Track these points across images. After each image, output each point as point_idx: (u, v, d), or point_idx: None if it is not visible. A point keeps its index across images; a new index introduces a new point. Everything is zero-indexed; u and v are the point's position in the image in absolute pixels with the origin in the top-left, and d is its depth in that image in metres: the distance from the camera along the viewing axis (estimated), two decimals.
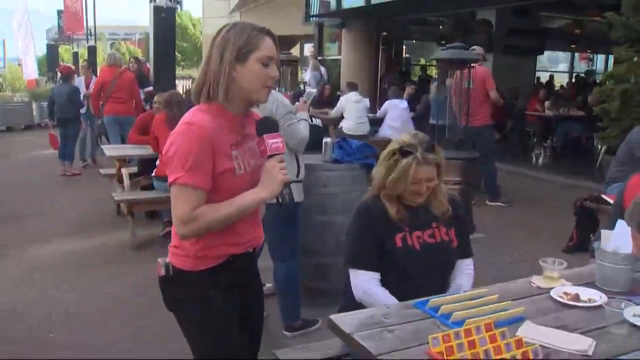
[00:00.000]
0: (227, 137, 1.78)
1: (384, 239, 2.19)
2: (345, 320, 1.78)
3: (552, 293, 1.98)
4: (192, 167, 1.70)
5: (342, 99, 9.43)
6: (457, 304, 1.82)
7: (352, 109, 8.87)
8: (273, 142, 1.77)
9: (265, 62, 1.77)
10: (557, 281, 2.07)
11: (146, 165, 5.98)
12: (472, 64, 5.73)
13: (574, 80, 16.84)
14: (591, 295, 1.96)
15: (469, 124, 6.80)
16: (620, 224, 2.13)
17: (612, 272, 2.05)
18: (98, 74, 10.02)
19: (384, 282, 2.20)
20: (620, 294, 2.00)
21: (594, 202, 4.90)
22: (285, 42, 18.77)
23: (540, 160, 10.50)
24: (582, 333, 1.70)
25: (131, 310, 3.97)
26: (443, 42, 14.41)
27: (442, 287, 2.25)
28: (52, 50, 26.28)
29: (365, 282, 2.19)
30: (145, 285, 4.40)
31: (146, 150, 5.68)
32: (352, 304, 2.20)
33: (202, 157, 1.71)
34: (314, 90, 11.41)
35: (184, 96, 6.17)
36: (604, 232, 2.17)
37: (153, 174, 5.41)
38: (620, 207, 2.88)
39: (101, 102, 8.07)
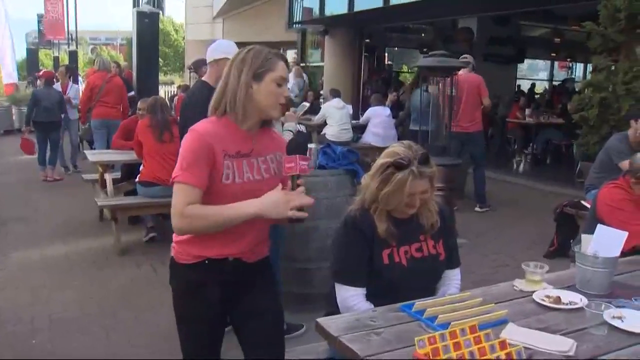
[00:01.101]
0: (225, 146, 1.92)
1: (370, 254, 2.17)
2: (332, 323, 1.81)
3: (535, 296, 2.02)
4: (187, 167, 1.88)
5: (325, 105, 9.48)
6: (442, 307, 1.86)
7: (335, 116, 8.91)
8: (288, 165, 1.89)
9: (279, 82, 1.95)
10: (539, 284, 2.12)
11: (129, 170, 5.95)
12: (455, 72, 5.80)
13: (553, 88, 17.08)
14: (572, 298, 2.01)
15: (463, 130, 6.91)
16: (600, 229, 2.19)
17: (592, 276, 2.11)
18: (86, 79, 9.94)
19: (370, 295, 2.18)
20: (600, 296, 2.06)
21: (573, 208, 4.99)
22: None
23: (521, 167, 10.65)
24: (563, 334, 1.75)
25: (116, 316, 3.94)
26: (425, 49, 14.55)
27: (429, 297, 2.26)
28: (32, 55, 25.98)
29: (350, 298, 2.16)
30: (130, 290, 4.39)
31: (130, 156, 5.65)
32: (336, 310, 2.20)
33: (197, 159, 1.88)
34: (308, 103, 11.44)
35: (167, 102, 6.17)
36: (584, 236, 2.22)
37: (136, 180, 5.39)
38: (594, 213, 2.96)
39: (88, 107, 8.03)
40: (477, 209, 7.17)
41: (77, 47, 22.36)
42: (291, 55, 20.86)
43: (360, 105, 13.62)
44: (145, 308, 4.02)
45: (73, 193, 7.62)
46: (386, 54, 18.23)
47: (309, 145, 3.93)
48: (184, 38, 33.25)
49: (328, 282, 2.35)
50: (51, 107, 8.40)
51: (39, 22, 29.39)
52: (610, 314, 1.84)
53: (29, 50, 27.50)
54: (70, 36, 22.57)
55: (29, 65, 24.76)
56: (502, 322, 1.81)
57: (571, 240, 5.22)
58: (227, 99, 1.95)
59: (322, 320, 1.83)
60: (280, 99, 1.96)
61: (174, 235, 2.04)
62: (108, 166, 5.79)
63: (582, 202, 4.93)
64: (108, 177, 5.54)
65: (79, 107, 8.85)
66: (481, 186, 7.22)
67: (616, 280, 2.16)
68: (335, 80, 13.76)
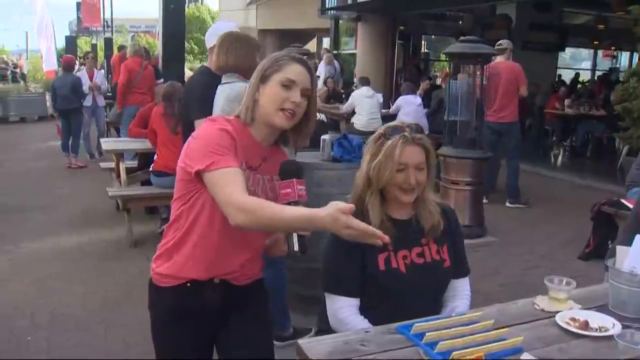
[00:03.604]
0: (242, 153, 1.70)
1: (365, 260, 1.92)
2: (314, 347, 1.55)
3: (558, 318, 1.73)
4: (223, 152, 1.62)
5: (354, 93, 9.19)
6: (446, 330, 1.58)
7: (364, 105, 8.62)
8: (284, 191, 1.68)
9: (285, 84, 1.70)
10: (564, 303, 1.82)
11: (146, 159, 5.79)
12: (491, 59, 5.46)
13: (596, 78, 16.38)
14: (602, 322, 1.70)
15: (498, 121, 6.57)
16: (639, 240, 1.87)
17: (628, 296, 1.80)
18: (114, 64, 9.91)
19: (366, 306, 1.93)
20: (637, 320, 1.76)
21: (613, 207, 4.61)
22: (300, 36, 18.56)
23: (559, 160, 10.18)
24: None
25: (119, 312, 3.77)
26: (462, 37, 14.06)
27: (433, 311, 1.97)
28: (70, 43, 26.15)
29: (341, 310, 1.92)
30: (136, 285, 4.19)
31: (145, 144, 5.49)
32: (328, 327, 1.96)
33: (224, 143, 1.64)
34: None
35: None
36: (619, 249, 1.90)
37: (150, 169, 5.23)
38: (636, 219, 2.60)
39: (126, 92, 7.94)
40: (507, 204, 6.80)
41: (112, 34, 22.46)
42: (326, 42, 20.54)
43: (393, 94, 13.26)
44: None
45: (95, 181, 7.51)
46: (423, 42, 17.76)
47: (322, 137, 3.68)
48: None
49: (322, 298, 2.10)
50: (64, 94, 8.39)
51: (77, 9, 29.77)
52: None
53: (67, 38, 27.78)
54: (105, 23, 22.71)
55: (68, 52, 24.99)
56: (515, 352, 1.52)
57: (609, 242, 4.85)
58: (244, 104, 1.76)
59: (303, 342, 1.58)
60: (285, 104, 1.69)
61: (158, 261, 1.82)
62: (122, 155, 5.64)
63: (623, 200, 4.54)
64: (122, 166, 5.39)
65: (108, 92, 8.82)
66: (513, 179, 6.84)
67: None
68: (368, 68, 13.41)
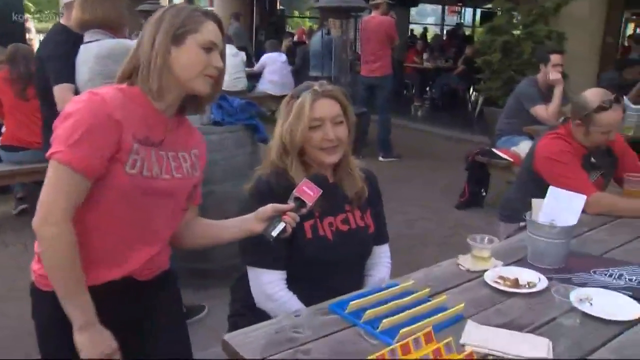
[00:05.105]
0: (133, 126, 1.41)
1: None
2: (244, 340, 1.35)
3: (487, 278, 1.69)
4: (77, 142, 1.33)
5: None
6: (384, 306, 1.46)
7: (228, 64, 8.09)
8: (307, 189, 1.55)
9: (206, 47, 1.46)
10: (488, 262, 1.79)
11: None
12: (359, 13, 5.40)
13: (446, 33, 17.20)
14: (529, 278, 1.69)
15: (371, 75, 6.57)
16: (553, 192, 1.87)
17: (546, 248, 1.80)
18: None
19: (290, 279, 1.76)
20: (556, 271, 1.77)
21: (485, 156, 4.80)
22: None
23: (420, 113, 10.56)
24: (532, 330, 1.42)
25: None
26: None
27: (358, 280, 1.86)
28: None
29: (269, 285, 1.72)
30: None
31: None
32: (244, 309, 1.77)
33: (94, 134, 1.34)
34: None
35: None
36: (534, 201, 1.90)
37: None
38: (531, 167, 2.66)
39: None
40: (380, 158, 6.91)
41: None
42: (178, 1, 19.56)
43: (253, 52, 12.95)
44: (8, 296, 3.36)
45: None
46: None
47: None
48: None
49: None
50: None
51: None
52: (577, 297, 1.53)
53: None
54: None
55: None
56: (458, 320, 1.45)
57: (482, 190, 5.08)
58: (139, 67, 1.45)
59: (231, 337, 1.38)
60: (209, 70, 1.47)
61: (35, 249, 1.47)
62: None
63: (494, 150, 4.74)
64: None
65: None
66: (385, 133, 6.95)
67: (571, 251, 1.86)
68: (226, 26, 12.92)
